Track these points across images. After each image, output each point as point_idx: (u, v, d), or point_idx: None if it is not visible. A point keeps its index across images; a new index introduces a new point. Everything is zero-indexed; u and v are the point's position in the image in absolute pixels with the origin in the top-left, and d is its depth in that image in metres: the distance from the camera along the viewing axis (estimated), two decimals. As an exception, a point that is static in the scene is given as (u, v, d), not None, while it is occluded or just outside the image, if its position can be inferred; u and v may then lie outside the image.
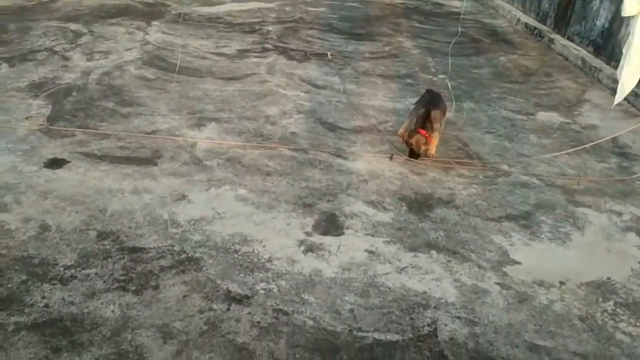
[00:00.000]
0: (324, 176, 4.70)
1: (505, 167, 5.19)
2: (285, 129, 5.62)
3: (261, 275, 3.37)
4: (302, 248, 3.63)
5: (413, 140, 5.00)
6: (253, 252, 3.55)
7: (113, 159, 4.68)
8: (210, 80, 6.76)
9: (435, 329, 3.06)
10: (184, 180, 4.38)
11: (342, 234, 3.86)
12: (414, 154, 5.08)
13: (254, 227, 3.81)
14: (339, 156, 5.11)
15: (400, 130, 5.41)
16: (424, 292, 3.31)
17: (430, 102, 5.25)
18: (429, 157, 5.17)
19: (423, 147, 5.00)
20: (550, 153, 5.59)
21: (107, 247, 3.54)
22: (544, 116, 6.33)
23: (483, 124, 6.18)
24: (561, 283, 3.55)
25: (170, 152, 4.87)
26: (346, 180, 4.67)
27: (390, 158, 5.14)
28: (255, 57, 7.58)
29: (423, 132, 4.98)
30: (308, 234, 3.80)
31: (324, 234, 3.83)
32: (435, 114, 5.11)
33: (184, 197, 4.12)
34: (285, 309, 3.11)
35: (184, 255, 3.48)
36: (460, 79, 7.22)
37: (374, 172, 4.86)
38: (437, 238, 3.92)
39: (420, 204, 4.39)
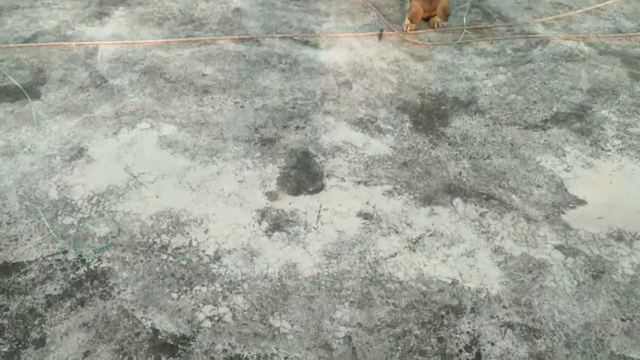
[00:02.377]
0: (287, 83, 3.33)
1: (540, 30, 3.77)
2: (226, 4, 4.06)
3: (204, 290, 2.24)
4: (265, 225, 2.45)
5: (439, 8, 3.50)
6: (190, 245, 2.37)
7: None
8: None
9: (479, 354, 2.02)
10: (81, 119, 3.02)
11: (322, 188, 2.65)
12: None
13: (189, 196, 2.58)
14: (306, 43, 3.66)
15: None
16: (454, 282, 2.23)
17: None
18: (436, 28, 3.74)
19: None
20: (598, 1, 4.14)
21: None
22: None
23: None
24: (649, 231, 2.46)
25: (59, 69, 3.42)
26: (320, 85, 3.31)
27: (380, 36, 3.70)
28: None
29: None
30: (271, 196, 2.60)
31: (296, 192, 2.63)
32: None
33: (81, 152, 2.81)
34: (245, 354, 2.04)
35: (82, 270, 2.30)
36: None
37: (358, 65, 3.48)
38: (460, 174, 2.73)
39: (430, 114, 3.11)
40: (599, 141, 2.94)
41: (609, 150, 2.88)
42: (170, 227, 2.50)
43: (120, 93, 3.25)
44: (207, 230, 2.49)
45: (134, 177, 2.74)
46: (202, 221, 2.53)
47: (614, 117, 3.08)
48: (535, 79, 3.37)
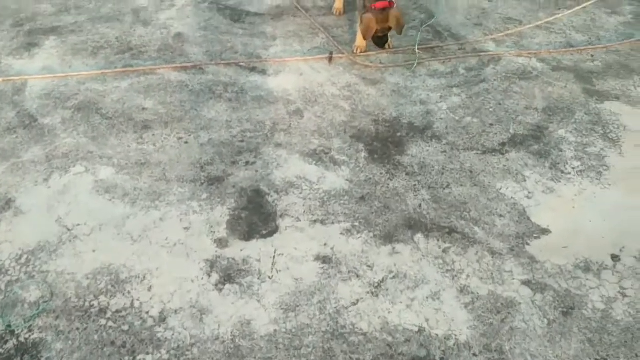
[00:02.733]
0: (234, 114, 3.14)
1: (491, 47, 3.72)
2: (167, 30, 3.84)
3: (149, 359, 2.02)
4: (215, 277, 2.26)
5: (392, 19, 3.36)
6: (132, 306, 2.16)
7: None
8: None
9: (451, 410, 1.89)
10: (8, 166, 2.75)
11: (276, 230, 2.48)
12: (382, 42, 3.51)
13: (130, 248, 2.36)
14: (253, 69, 3.49)
15: (336, 4, 3.79)
16: (420, 330, 2.10)
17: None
18: (387, 49, 3.63)
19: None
20: (546, 13, 4.14)
21: None
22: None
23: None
24: (614, 258, 2.39)
25: (-19, 111, 3.13)
26: (270, 115, 3.14)
27: (330, 59, 3.56)
28: None
29: (391, 2, 3.35)
30: (221, 243, 2.40)
31: (247, 236, 2.44)
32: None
33: (8, 203, 2.55)
34: None
35: (11, 343, 2.06)
36: None
37: (309, 92, 3.33)
38: (420, 206, 2.61)
39: (386, 142, 2.99)
40: (558, 164, 2.88)
41: (569, 173, 2.83)
42: (110, 287, 2.27)
43: (52, 133, 3.00)
44: (151, 287, 2.28)
45: (68, 229, 2.50)
46: (144, 277, 2.31)
47: (572, 137, 3.03)
48: (489, 99, 3.30)
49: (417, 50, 3.65)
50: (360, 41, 3.59)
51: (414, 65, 3.48)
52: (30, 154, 2.85)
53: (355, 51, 3.60)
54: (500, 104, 3.28)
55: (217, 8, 4.11)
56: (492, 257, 2.44)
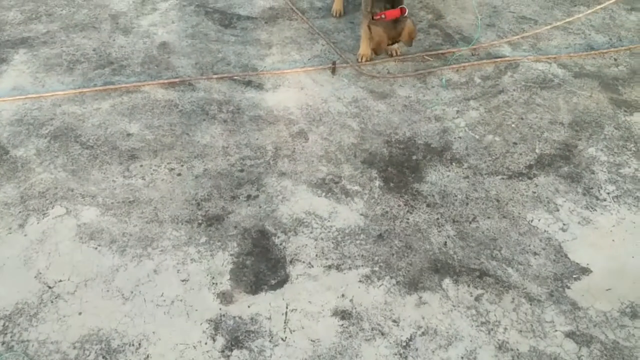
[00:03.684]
0: (231, 138, 2.86)
1: (507, 51, 3.47)
2: (150, 38, 3.52)
3: None
4: (220, 342, 2.00)
5: (404, 34, 3.11)
6: (126, 382, 1.89)
7: None
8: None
9: None
10: (-24, 209, 2.45)
11: (287, 279, 2.22)
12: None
13: (121, 308, 2.10)
14: (249, 83, 3.20)
15: (335, 5, 3.52)
16: (458, 399, 1.86)
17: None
18: (394, 56, 3.37)
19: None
20: (562, 10, 3.89)
21: None
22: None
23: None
24: (664, 301, 2.18)
25: (-57, 144, 2.82)
26: (271, 138, 2.87)
27: (333, 70, 3.29)
28: None
29: (403, 9, 3.09)
30: (225, 297, 2.15)
31: (255, 288, 2.19)
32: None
33: (-22, 255, 2.25)
34: None
35: None
36: None
37: (312, 110, 3.06)
38: (445, 244, 2.37)
39: (401, 167, 2.73)
40: (592, 188, 2.65)
41: (605, 200, 2.60)
42: (100, 358, 2.01)
43: (26, 167, 2.69)
44: (148, 356, 2.02)
45: (49, 287, 2.22)
46: (139, 344, 2.05)
47: (603, 155, 2.81)
48: (510, 113, 3.06)
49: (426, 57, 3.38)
50: (364, 49, 3.32)
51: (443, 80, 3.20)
52: (2, 193, 2.55)
53: (360, 60, 3.33)
54: (522, 119, 3.04)
55: (204, 12, 3.79)
56: (530, 305, 2.21)
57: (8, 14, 3.74)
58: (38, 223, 2.46)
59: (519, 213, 2.57)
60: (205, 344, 2.07)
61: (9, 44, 3.49)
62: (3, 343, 2.06)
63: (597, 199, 2.64)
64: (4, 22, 3.66)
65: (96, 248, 2.38)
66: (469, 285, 2.28)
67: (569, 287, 2.29)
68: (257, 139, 2.90)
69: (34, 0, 3.86)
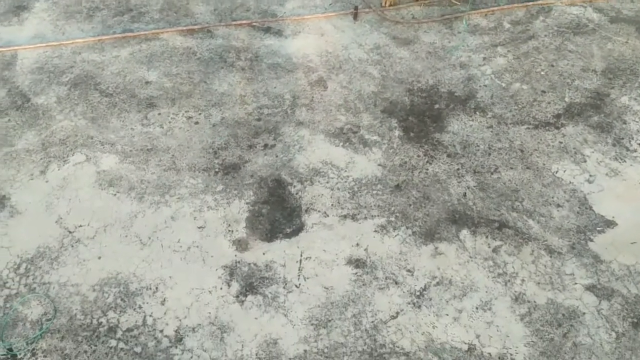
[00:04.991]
0: (249, 86, 2.82)
1: (540, -4, 3.29)
2: (169, -15, 3.45)
3: (166, 388, 1.83)
4: (235, 287, 2.03)
5: None
6: (144, 323, 1.95)
7: None
8: None
9: None
10: (0, 155, 2.49)
11: (302, 228, 2.22)
12: None
13: (139, 253, 2.14)
14: (268, 30, 3.13)
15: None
16: (471, 348, 1.88)
17: None
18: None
19: None
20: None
21: None
22: None
23: None
24: (691, 256, 2.10)
25: (-33, 91, 2.86)
26: (289, 87, 2.81)
27: (355, 15, 3.18)
28: None
29: None
30: (241, 244, 2.16)
31: (270, 236, 2.19)
32: None
33: (2, 201, 2.33)
34: None
35: (11, 371, 1.87)
36: None
37: (332, 57, 2.98)
38: (464, 195, 2.32)
39: (422, 116, 2.66)
40: (622, 139, 2.54)
41: (635, 151, 2.49)
42: (119, 300, 2.05)
43: (47, 115, 2.72)
44: (165, 300, 2.06)
45: (70, 232, 2.26)
46: (157, 288, 2.09)
47: (637, 105, 2.67)
48: (540, 60, 2.92)
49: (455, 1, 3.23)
50: None
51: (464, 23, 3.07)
52: (24, 141, 2.58)
53: (383, 3, 3.20)
54: (552, 66, 2.90)
55: (224, -44, 3.67)
56: (550, 257, 2.16)
57: (28, -40, 3.70)
58: (59, 169, 2.49)
59: (544, 164, 2.48)
60: (221, 289, 2.09)
61: (30, -8, 3.46)
62: (25, 285, 2.12)
63: (628, 149, 2.53)
64: (25, -31, 3.63)
65: (115, 195, 2.40)
66: (487, 237, 2.24)
67: (592, 240, 2.22)
68: (275, 88, 2.85)
69: (54, -54, 3.80)
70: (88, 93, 2.84)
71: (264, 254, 2.21)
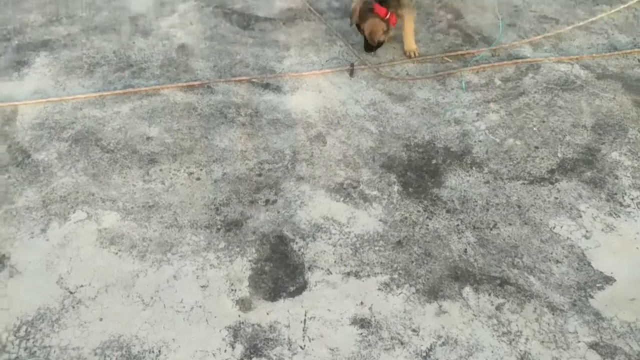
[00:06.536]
0: (250, 142, 2.84)
1: (528, 52, 3.40)
2: (169, 40, 3.51)
3: None
4: (240, 350, 2.00)
5: (366, 27, 3.14)
6: (147, 389, 1.89)
7: None
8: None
9: None
10: (0, 213, 2.46)
11: (305, 286, 2.21)
12: (371, 48, 3.25)
13: (141, 314, 2.10)
14: (267, 86, 3.18)
15: (353, 4, 3.47)
16: (478, 411, 1.83)
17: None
18: (409, 56, 3.32)
19: (382, 36, 3.17)
20: (584, 9, 3.80)
21: None
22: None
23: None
24: (690, 312, 2.12)
25: (-33, 147, 2.84)
26: (289, 142, 2.85)
27: (351, 72, 3.25)
28: None
29: (381, 9, 3.08)
30: (244, 304, 2.14)
31: (273, 295, 2.18)
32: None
33: (2, 260, 2.28)
34: None
35: None
36: None
37: (330, 113, 3.03)
38: (465, 251, 2.33)
39: (420, 171, 2.69)
40: (616, 194, 2.59)
41: (629, 206, 2.54)
42: (121, 364, 2.00)
43: (47, 171, 2.71)
44: (168, 364, 2.01)
45: (71, 292, 2.23)
46: (159, 351, 2.05)
47: (627, 160, 2.74)
48: (532, 116, 3.00)
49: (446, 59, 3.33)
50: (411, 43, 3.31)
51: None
52: (24, 198, 2.56)
53: (410, 55, 3.30)
54: (544, 122, 2.98)
55: (222, 13, 3.77)
56: (553, 315, 2.17)
57: (29, 16, 3.76)
58: (60, 228, 2.47)
59: (541, 219, 2.52)
60: (225, 351, 2.06)
61: (31, 47, 3.50)
62: (25, 349, 2.07)
63: (621, 205, 2.58)
64: (25, 25, 3.68)
65: (116, 253, 2.38)
66: (489, 294, 2.24)
67: (592, 297, 2.24)
68: (275, 143, 2.88)
69: (55, 3, 3.87)
70: (89, 149, 2.84)
71: (267, 313, 2.19)
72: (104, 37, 3.57)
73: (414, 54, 3.32)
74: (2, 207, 2.54)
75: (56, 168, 2.72)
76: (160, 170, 2.72)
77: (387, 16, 3.13)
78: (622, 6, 3.79)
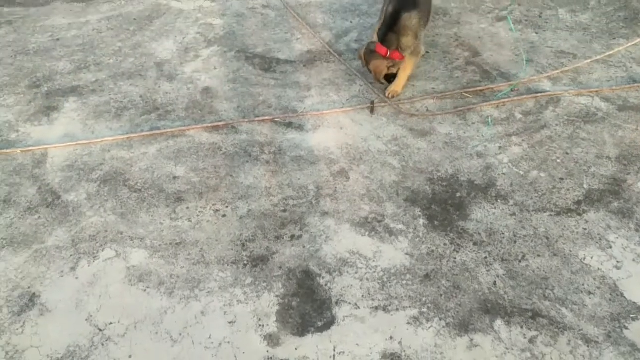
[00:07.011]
0: (274, 178, 2.88)
1: (547, 86, 3.44)
2: (193, 84, 3.63)
3: None
4: (269, 386, 1.97)
5: (371, 68, 3.23)
6: None
7: None
8: (60, 7, 4.48)
9: None
10: (31, 253, 2.52)
11: (333, 321, 2.19)
12: (382, 82, 3.36)
13: (170, 351, 2.10)
14: (290, 125, 3.24)
15: (360, 49, 3.57)
16: None
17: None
18: (388, 95, 3.39)
19: (389, 71, 3.26)
20: (600, 44, 3.85)
21: None
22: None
23: (487, 3, 4.28)
24: None
25: (2, 185, 2.94)
26: (313, 178, 2.88)
27: (372, 109, 3.31)
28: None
29: (382, 49, 3.16)
30: (272, 340, 2.12)
31: (301, 330, 2.16)
32: (408, 18, 3.23)
33: (32, 299, 2.31)
34: None
35: None
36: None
37: (352, 149, 3.07)
38: (495, 284, 2.30)
39: (445, 204, 2.70)
40: (645, 223, 2.56)
41: (660, 235, 2.50)
42: (150, 402, 1.99)
43: (77, 212, 2.77)
44: (197, 401, 1.99)
45: (100, 330, 2.24)
46: (189, 388, 2.03)
47: (654, 189, 2.71)
48: (555, 148, 3.00)
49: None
50: (393, 88, 3.38)
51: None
52: (54, 237, 2.62)
53: (388, 96, 3.36)
54: (567, 154, 2.98)
55: (244, 57, 3.90)
56: (588, 347, 2.12)
57: (58, 64, 3.92)
58: (89, 266, 2.51)
59: (570, 251, 2.49)
60: (254, 387, 2.04)
61: (60, 93, 3.64)
62: (56, 386, 2.07)
63: (652, 234, 2.55)
64: (55, 72, 3.83)
65: (145, 290, 2.40)
66: (522, 327, 2.21)
67: (627, 328, 2.19)
68: (299, 179, 2.92)
69: (83, 51, 4.04)
70: (117, 189, 2.91)
71: (296, 349, 2.18)
72: (131, 82, 3.70)
73: (393, 96, 3.37)
74: (32, 247, 2.59)
75: (85, 208, 2.78)
76: (187, 208, 2.77)
77: (388, 55, 3.22)
78: (639, 40, 3.83)
